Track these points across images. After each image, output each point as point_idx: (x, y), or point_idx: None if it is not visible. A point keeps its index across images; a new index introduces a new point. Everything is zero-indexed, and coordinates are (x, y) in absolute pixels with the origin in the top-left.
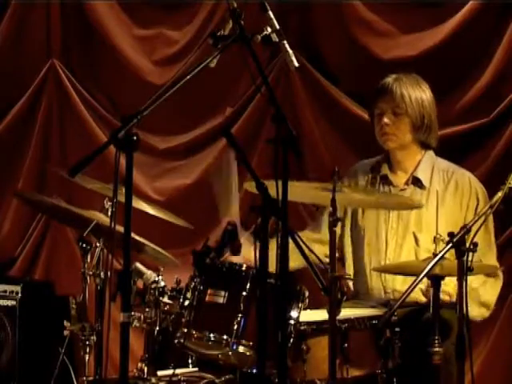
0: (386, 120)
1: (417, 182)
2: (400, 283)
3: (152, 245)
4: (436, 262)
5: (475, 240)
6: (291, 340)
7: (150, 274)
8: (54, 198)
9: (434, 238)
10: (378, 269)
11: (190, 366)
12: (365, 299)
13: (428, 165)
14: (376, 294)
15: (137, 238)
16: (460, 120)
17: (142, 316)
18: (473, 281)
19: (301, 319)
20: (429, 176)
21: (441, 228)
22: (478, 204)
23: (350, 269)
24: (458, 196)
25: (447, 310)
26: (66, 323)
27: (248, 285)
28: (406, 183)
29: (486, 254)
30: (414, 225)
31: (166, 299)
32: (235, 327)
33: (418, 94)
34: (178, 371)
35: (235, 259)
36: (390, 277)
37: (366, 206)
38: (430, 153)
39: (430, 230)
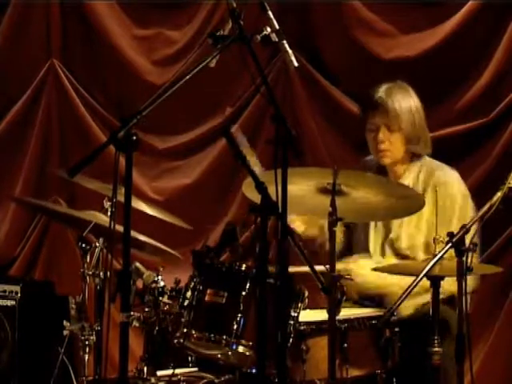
0: (381, 136)
1: None
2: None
3: (152, 241)
4: (436, 262)
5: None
6: (291, 340)
7: (149, 274)
8: (52, 200)
9: (434, 238)
10: (378, 269)
11: (190, 365)
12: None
13: (414, 172)
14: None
15: (138, 236)
16: (460, 120)
17: (142, 316)
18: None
19: (300, 319)
20: (412, 182)
21: (422, 232)
22: (456, 205)
23: None
24: (437, 198)
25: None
26: (65, 323)
27: (248, 285)
28: None
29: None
30: (393, 232)
31: (165, 299)
32: (235, 327)
33: (409, 104)
34: (178, 371)
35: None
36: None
37: (364, 215)
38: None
39: (409, 238)
